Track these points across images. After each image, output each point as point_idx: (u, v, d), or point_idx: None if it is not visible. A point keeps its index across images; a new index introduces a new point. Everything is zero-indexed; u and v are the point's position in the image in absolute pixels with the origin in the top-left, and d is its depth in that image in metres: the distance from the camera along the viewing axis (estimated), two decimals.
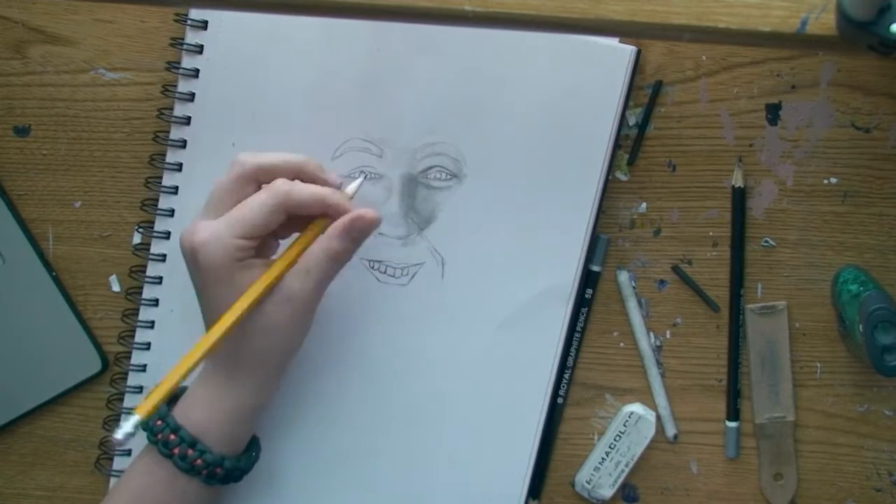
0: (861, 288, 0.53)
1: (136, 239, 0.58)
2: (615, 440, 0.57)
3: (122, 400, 0.58)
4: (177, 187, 0.56)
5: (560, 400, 0.58)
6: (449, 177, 0.56)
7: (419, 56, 0.55)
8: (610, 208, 0.57)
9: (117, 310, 0.58)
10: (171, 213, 0.57)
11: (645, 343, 0.57)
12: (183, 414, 0.50)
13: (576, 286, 0.56)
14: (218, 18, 0.55)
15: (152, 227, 0.57)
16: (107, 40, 0.57)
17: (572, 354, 0.58)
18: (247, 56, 0.55)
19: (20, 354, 0.58)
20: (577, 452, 0.59)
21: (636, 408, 0.57)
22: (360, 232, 0.49)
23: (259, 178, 0.50)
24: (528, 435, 0.57)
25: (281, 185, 0.49)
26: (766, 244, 0.57)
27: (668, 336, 0.58)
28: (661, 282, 0.57)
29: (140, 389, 0.58)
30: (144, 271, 0.57)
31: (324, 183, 0.50)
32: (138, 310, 0.58)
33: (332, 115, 0.56)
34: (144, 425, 0.51)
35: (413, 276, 0.56)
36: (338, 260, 0.49)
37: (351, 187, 0.52)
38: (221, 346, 0.48)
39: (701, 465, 0.58)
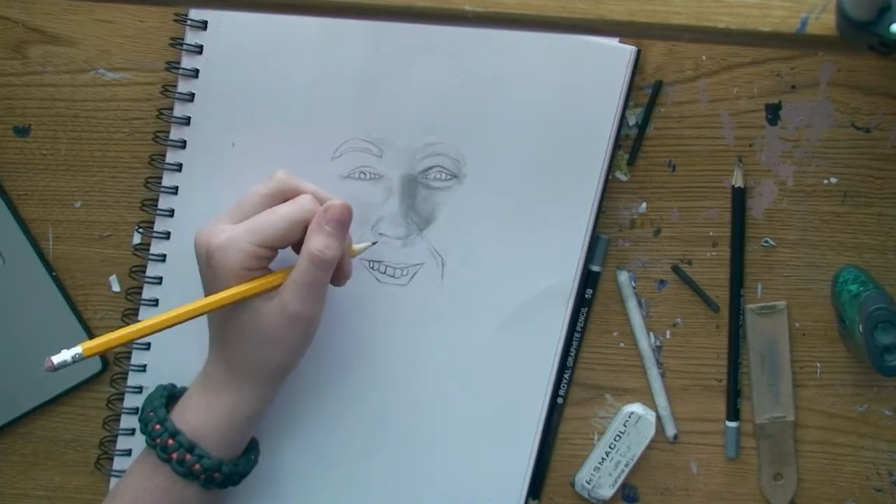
0: (861, 288, 0.53)
1: (136, 239, 0.58)
2: (615, 440, 0.57)
3: (122, 400, 0.58)
4: (177, 187, 0.56)
5: (560, 400, 0.58)
6: (449, 177, 0.56)
7: (419, 56, 0.55)
8: (610, 208, 0.57)
9: (117, 310, 0.58)
10: (171, 213, 0.57)
11: (645, 343, 0.57)
12: (181, 418, 0.50)
13: (576, 286, 0.56)
14: (218, 18, 0.55)
15: (152, 228, 0.57)
16: (107, 40, 0.57)
17: (572, 354, 0.58)
18: (247, 56, 0.55)
19: (20, 354, 0.58)
20: (577, 452, 0.59)
21: (636, 408, 0.57)
22: (332, 224, 0.48)
23: (290, 198, 0.50)
24: (528, 435, 0.57)
25: (306, 202, 0.49)
26: (766, 244, 0.57)
27: (668, 336, 0.58)
28: (661, 282, 0.57)
29: (140, 390, 0.58)
30: (144, 271, 0.57)
31: None
32: (138, 310, 0.57)
33: (332, 115, 0.56)
34: (143, 429, 0.51)
35: (413, 276, 0.56)
36: (320, 262, 0.48)
37: (359, 245, 0.53)
38: (217, 349, 0.49)
39: (701, 465, 0.58)
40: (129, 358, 0.58)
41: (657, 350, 0.58)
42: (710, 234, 0.57)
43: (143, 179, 0.57)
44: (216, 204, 0.56)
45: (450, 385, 0.57)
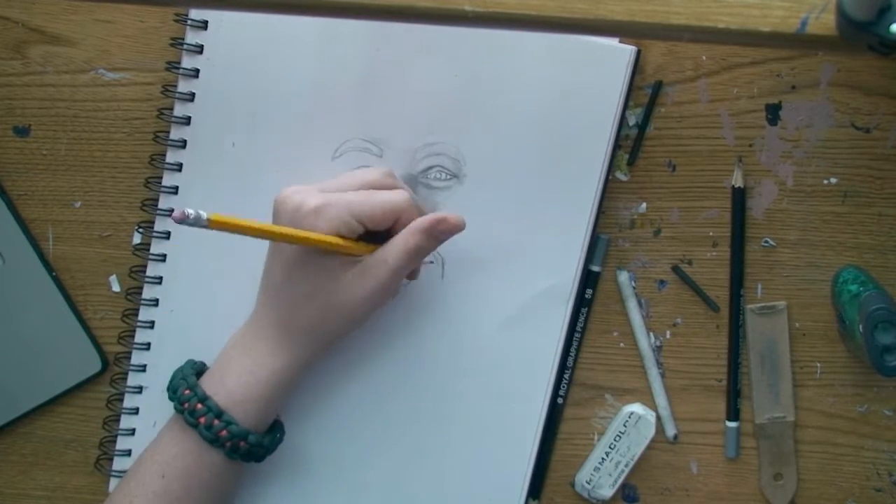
0: (861, 288, 0.53)
1: (137, 239, 0.58)
2: (615, 440, 0.57)
3: (121, 400, 0.58)
4: (177, 187, 0.56)
5: (560, 400, 0.58)
6: (449, 177, 0.56)
7: (419, 56, 0.55)
8: (610, 208, 0.57)
9: (117, 310, 0.58)
10: (171, 213, 0.56)
11: (645, 343, 0.57)
12: (218, 381, 0.51)
13: (576, 286, 0.56)
14: (218, 18, 0.55)
15: (152, 227, 0.57)
16: (107, 40, 0.57)
17: (572, 354, 0.58)
18: (247, 56, 0.55)
19: (20, 354, 0.58)
20: (577, 452, 0.59)
21: (636, 408, 0.57)
22: (441, 233, 0.50)
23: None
24: (528, 435, 0.57)
25: (404, 197, 0.50)
26: (766, 244, 0.57)
27: (668, 336, 0.58)
28: (661, 282, 0.57)
29: (140, 390, 0.58)
30: (144, 271, 0.57)
31: None
32: (138, 310, 0.58)
33: (332, 114, 0.56)
34: (172, 395, 0.52)
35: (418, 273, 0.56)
36: (415, 255, 0.50)
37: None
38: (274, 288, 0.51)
39: (701, 465, 0.58)
40: (129, 358, 0.58)
41: (657, 350, 0.58)
42: (710, 234, 0.57)
43: (143, 179, 0.57)
44: (216, 204, 0.56)
45: (450, 385, 0.57)
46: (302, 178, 0.54)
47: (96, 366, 0.58)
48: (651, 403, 0.58)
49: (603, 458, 0.57)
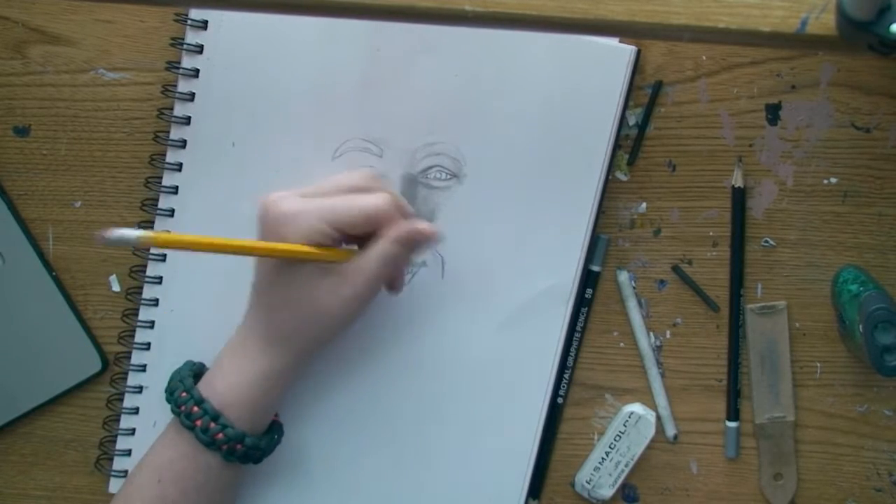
0: (861, 288, 0.53)
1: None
2: (615, 440, 0.57)
3: (121, 400, 0.58)
4: (177, 187, 0.56)
5: (560, 400, 0.58)
6: (449, 177, 0.56)
7: (419, 56, 0.55)
8: (610, 208, 0.57)
9: (117, 310, 0.58)
10: (171, 212, 0.57)
11: (645, 343, 0.57)
12: (209, 383, 0.51)
13: (576, 286, 0.56)
14: (218, 18, 0.55)
15: (152, 228, 0.57)
16: (107, 40, 0.57)
17: (572, 354, 0.58)
18: (247, 56, 0.55)
19: (20, 354, 0.58)
20: (577, 452, 0.59)
21: (636, 408, 0.57)
22: (416, 243, 0.50)
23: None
24: (528, 435, 0.57)
25: (385, 200, 0.50)
26: (766, 244, 0.57)
27: (668, 336, 0.58)
28: (661, 282, 0.57)
29: (140, 389, 0.58)
30: (144, 271, 0.57)
31: None
32: (138, 310, 0.57)
33: (332, 114, 0.56)
34: (169, 397, 0.52)
35: (413, 275, 0.56)
36: (391, 264, 0.50)
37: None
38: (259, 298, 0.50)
39: (701, 465, 0.58)
40: (129, 358, 0.58)
41: (657, 350, 0.58)
42: (710, 234, 0.57)
43: (143, 179, 0.57)
44: (216, 204, 0.56)
45: (450, 385, 0.57)
46: (302, 178, 0.54)
47: (96, 366, 0.58)
48: (651, 403, 0.58)
49: (603, 458, 0.57)
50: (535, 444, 0.57)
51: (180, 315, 0.57)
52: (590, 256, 0.56)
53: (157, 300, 0.57)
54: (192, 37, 0.55)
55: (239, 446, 0.50)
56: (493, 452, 0.57)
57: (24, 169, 0.58)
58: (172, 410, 0.51)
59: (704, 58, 0.56)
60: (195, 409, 0.50)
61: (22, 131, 0.58)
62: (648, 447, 0.57)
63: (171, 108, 0.56)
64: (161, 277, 0.57)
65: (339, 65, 0.55)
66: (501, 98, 0.55)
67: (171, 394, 0.52)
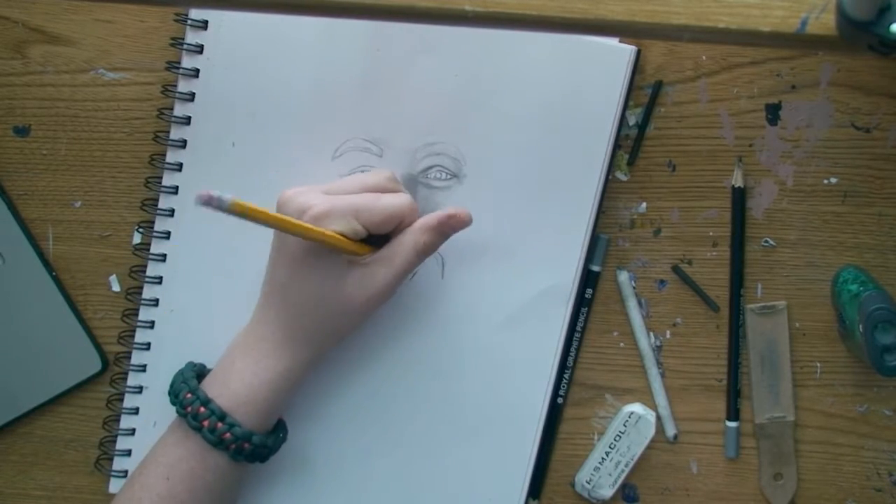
0: (861, 288, 0.53)
1: (137, 239, 0.58)
2: (615, 440, 0.57)
3: (121, 400, 0.58)
4: (177, 187, 0.56)
5: (560, 400, 0.58)
6: (449, 177, 0.56)
7: (419, 56, 0.55)
8: (610, 208, 0.57)
9: (117, 310, 0.58)
10: (171, 212, 0.57)
11: (645, 343, 0.57)
12: (221, 383, 0.51)
13: (576, 286, 0.56)
14: (218, 18, 0.55)
15: (152, 227, 0.57)
16: (107, 40, 0.57)
17: (572, 354, 0.58)
18: (247, 56, 0.55)
19: (20, 354, 0.58)
20: (577, 452, 0.59)
21: (636, 408, 0.57)
22: (451, 228, 0.51)
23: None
24: (528, 435, 0.57)
25: (407, 201, 0.51)
26: (766, 244, 0.57)
27: (668, 336, 0.58)
28: (661, 282, 0.57)
29: (140, 389, 0.58)
30: (144, 271, 0.57)
31: None
32: (138, 310, 0.57)
33: (332, 114, 0.56)
34: (174, 399, 0.52)
35: (413, 275, 0.56)
36: (423, 253, 0.51)
37: None
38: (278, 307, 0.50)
39: (701, 465, 0.58)
40: (129, 358, 0.58)
41: (657, 350, 0.58)
42: (710, 234, 0.57)
43: (143, 179, 0.57)
44: None
45: (450, 384, 0.57)
46: (302, 177, 0.54)
47: (96, 366, 0.58)
48: (651, 403, 0.58)
49: (603, 458, 0.57)
50: (535, 444, 0.57)
51: (180, 315, 0.57)
52: (590, 256, 0.56)
53: (157, 300, 0.57)
54: (192, 37, 0.55)
55: (246, 445, 0.50)
56: (493, 452, 0.57)
57: (24, 169, 0.58)
58: (178, 412, 0.51)
59: (704, 58, 0.56)
60: (202, 409, 0.50)
61: (22, 131, 0.58)
62: (648, 447, 0.57)
63: (171, 108, 0.56)
64: (161, 277, 0.57)
65: (339, 65, 0.55)
66: (501, 98, 0.55)
67: (175, 395, 0.52)
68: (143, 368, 0.57)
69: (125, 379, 0.58)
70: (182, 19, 0.55)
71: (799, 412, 0.58)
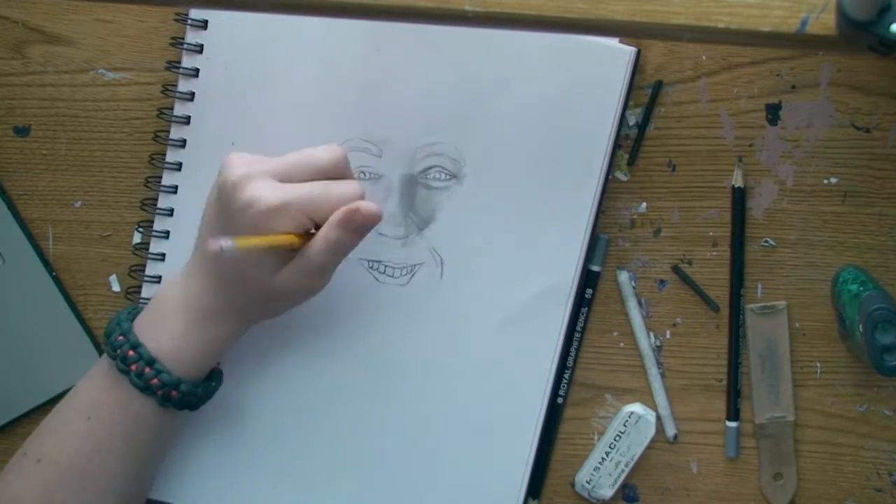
0: (861, 288, 0.53)
1: (137, 238, 0.58)
2: (615, 440, 0.57)
3: None
4: (176, 186, 0.56)
5: (560, 400, 0.58)
6: (448, 177, 0.56)
7: (419, 56, 0.55)
8: (610, 208, 0.57)
9: (117, 310, 0.58)
10: (171, 212, 0.57)
11: (645, 343, 0.57)
12: (150, 333, 0.50)
13: (575, 286, 0.56)
14: (218, 18, 0.55)
15: (151, 227, 0.57)
16: (107, 40, 0.57)
17: (572, 354, 0.58)
18: (247, 56, 0.55)
19: (20, 354, 0.58)
20: (576, 452, 0.59)
21: (636, 408, 0.57)
22: (357, 224, 0.48)
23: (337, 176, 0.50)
24: (527, 435, 0.57)
25: (356, 190, 0.49)
26: (766, 244, 0.57)
27: (668, 336, 0.58)
28: (661, 282, 0.57)
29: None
30: (144, 270, 0.57)
31: None
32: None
33: (331, 114, 0.56)
34: (106, 339, 0.51)
35: (412, 276, 0.56)
36: (336, 250, 0.48)
37: None
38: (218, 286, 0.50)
39: (701, 465, 0.58)
40: None
41: (657, 350, 0.58)
42: (710, 234, 0.57)
43: (143, 179, 0.57)
44: None
45: (450, 384, 0.57)
46: None
47: None
48: (651, 403, 0.58)
49: (603, 458, 0.57)
50: (535, 444, 0.57)
51: None
52: (590, 256, 0.56)
53: None
54: (192, 36, 0.55)
55: (174, 392, 0.50)
56: (492, 452, 0.57)
57: (24, 169, 0.58)
58: (108, 354, 0.50)
59: (704, 58, 0.56)
60: (130, 352, 0.49)
61: (22, 131, 0.58)
62: (648, 447, 0.57)
63: (171, 108, 0.56)
64: (160, 277, 0.57)
65: (339, 65, 0.55)
66: (501, 98, 0.55)
67: (108, 337, 0.51)
68: None
69: None
70: (182, 19, 0.55)
71: (799, 412, 0.58)
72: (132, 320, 0.52)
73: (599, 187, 0.55)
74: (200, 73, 0.56)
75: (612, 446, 0.57)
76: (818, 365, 0.57)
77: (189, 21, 0.55)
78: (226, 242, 0.42)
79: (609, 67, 0.54)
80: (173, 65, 0.56)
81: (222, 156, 0.55)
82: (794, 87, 0.55)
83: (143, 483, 0.54)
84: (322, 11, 0.46)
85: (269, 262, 0.49)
